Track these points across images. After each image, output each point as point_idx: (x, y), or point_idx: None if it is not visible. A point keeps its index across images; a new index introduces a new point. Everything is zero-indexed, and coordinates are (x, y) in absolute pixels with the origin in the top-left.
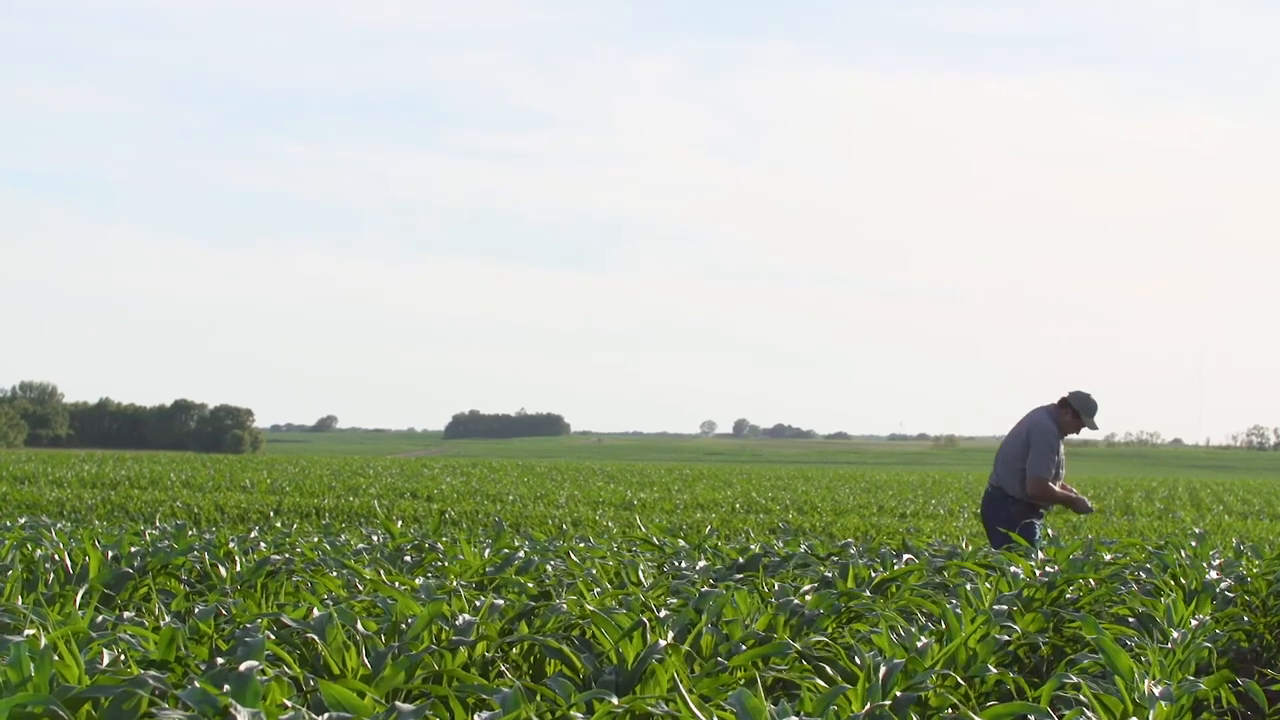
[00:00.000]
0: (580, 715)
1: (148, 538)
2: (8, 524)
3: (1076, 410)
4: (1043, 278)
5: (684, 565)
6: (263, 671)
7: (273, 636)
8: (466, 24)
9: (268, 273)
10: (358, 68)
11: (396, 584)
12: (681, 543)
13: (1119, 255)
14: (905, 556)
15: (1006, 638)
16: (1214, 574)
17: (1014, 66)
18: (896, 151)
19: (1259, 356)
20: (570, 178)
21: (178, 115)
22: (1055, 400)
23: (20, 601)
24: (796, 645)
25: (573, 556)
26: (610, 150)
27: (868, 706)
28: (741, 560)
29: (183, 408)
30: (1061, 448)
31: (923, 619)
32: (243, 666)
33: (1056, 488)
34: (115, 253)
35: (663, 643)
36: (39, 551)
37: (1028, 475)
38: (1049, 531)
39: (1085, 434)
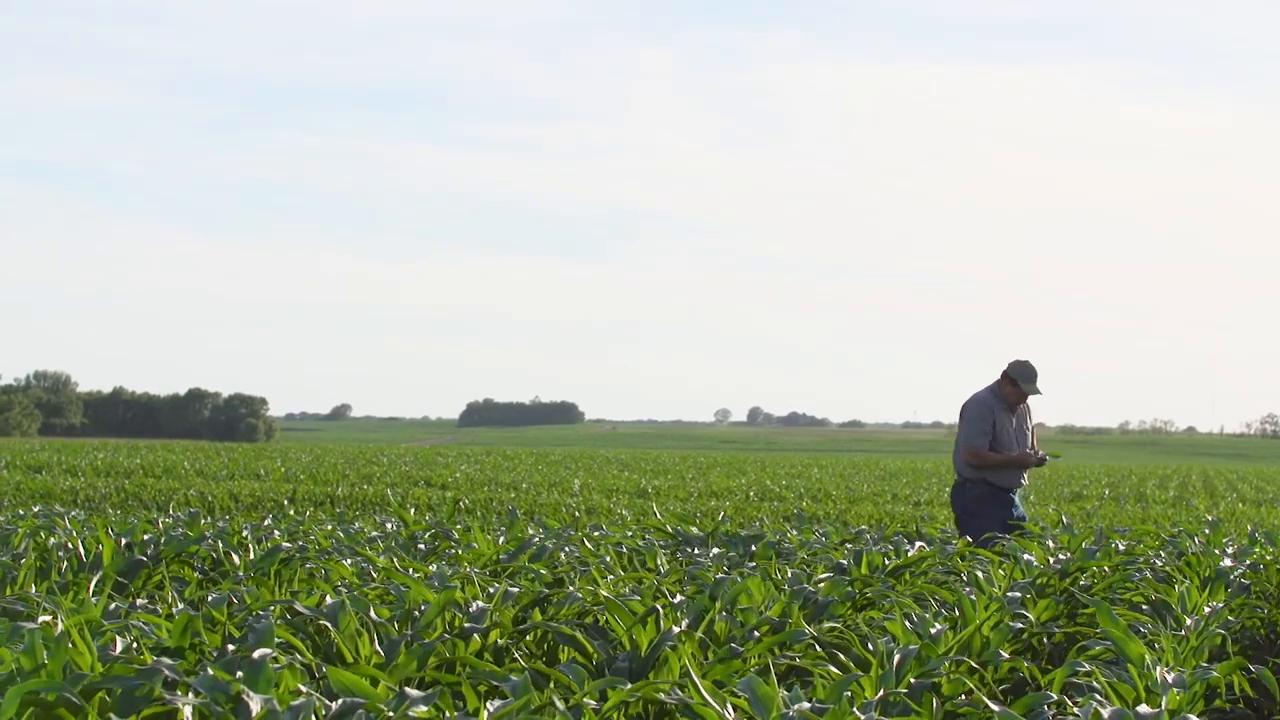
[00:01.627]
0: (593, 702)
1: (161, 526)
2: (21, 513)
3: (1014, 379)
4: (1054, 266)
5: (697, 552)
6: (275, 659)
7: (286, 624)
8: (473, 15)
9: (280, 263)
10: (366, 59)
11: (410, 571)
12: (695, 530)
13: (1130, 243)
14: (918, 544)
15: (1020, 625)
16: (1228, 561)
17: (1022, 56)
18: (906, 141)
19: (1272, 344)
20: (582, 169)
21: (187, 108)
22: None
23: (34, 590)
24: (811, 632)
25: (586, 544)
26: (622, 140)
27: (881, 693)
28: (755, 549)
29: (197, 396)
30: (1015, 420)
31: (936, 606)
32: (255, 654)
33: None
34: (128, 244)
35: (676, 629)
36: (52, 540)
37: (961, 448)
38: (1063, 519)
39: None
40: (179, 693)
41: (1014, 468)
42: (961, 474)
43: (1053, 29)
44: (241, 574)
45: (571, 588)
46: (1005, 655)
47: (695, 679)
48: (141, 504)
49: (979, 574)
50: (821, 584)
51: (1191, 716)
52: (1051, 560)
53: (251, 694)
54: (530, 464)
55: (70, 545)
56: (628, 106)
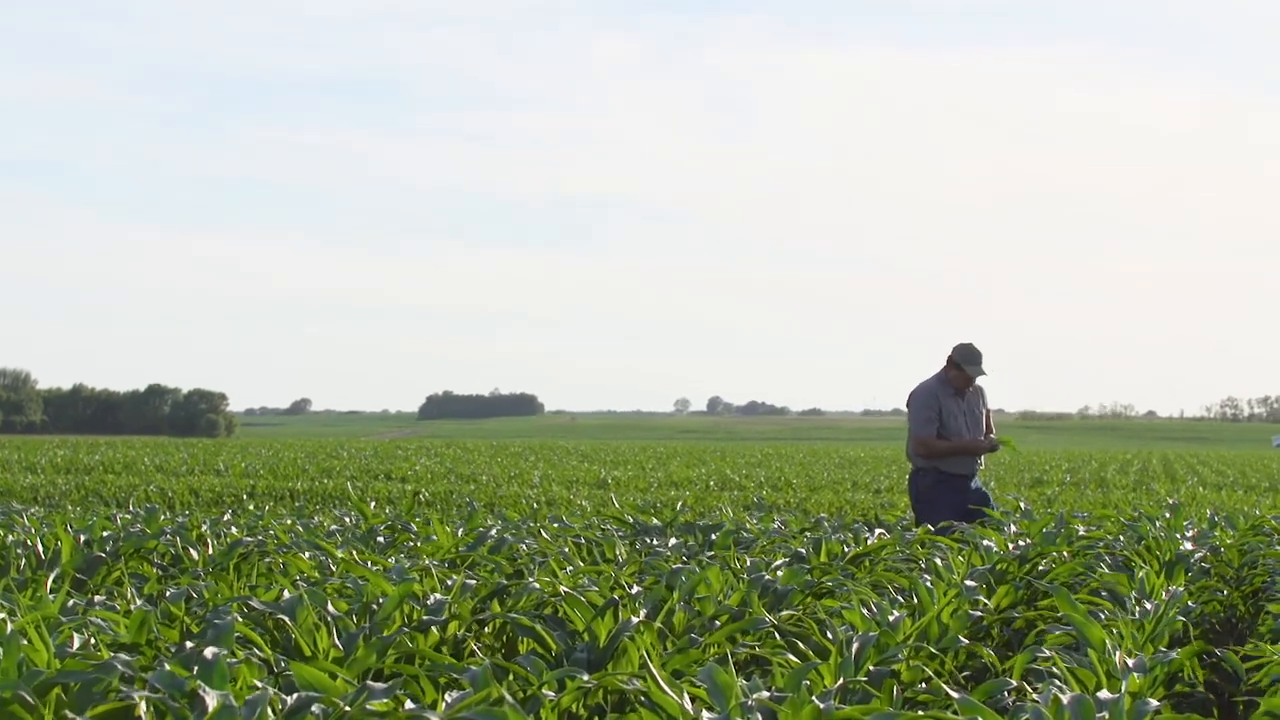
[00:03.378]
0: (551, 693)
1: (120, 522)
2: None
3: (959, 363)
4: (1014, 253)
5: (656, 542)
6: (233, 654)
7: (244, 619)
8: (435, 4)
9: (239, 257)
10: (327, 51)
11: (369, 564)
12: (654, 520)
13: (1090, 228)
14: (878, 531)
15: (979, 612)
16: (1188, 545)
17: (990, 40)
18: (869, 127)
19: (1232, 327)
20: (542, 158)
21: (148, 101)
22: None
23: None
24: (770, 620)
25: (545, 535)
26: (582, 129)
27: (840, 681)
28: (714, 538)
29: (157, 392)
30: (965, 405)
31: (895, 593)
32: (210, 650)
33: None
34: (88, 238)
35: (635, 620)
36: (10, 537)
37: (911, 437)
38: (1021, 505)
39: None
40: (135, 688)
41: (964, 454)
42: (913, 463)
43: (1023, 13)
44: (200, 569)
45: (530, 579)
46: (964, 641)
47: (653, 669)
48: (102, 501)
49: (938, 561)
50: (780, 572)
51: (1152, 701)
52: (1011, 546)
53: (207, 689)
54: (490, 456)
55: (29, 543)
56: (588, 95)
